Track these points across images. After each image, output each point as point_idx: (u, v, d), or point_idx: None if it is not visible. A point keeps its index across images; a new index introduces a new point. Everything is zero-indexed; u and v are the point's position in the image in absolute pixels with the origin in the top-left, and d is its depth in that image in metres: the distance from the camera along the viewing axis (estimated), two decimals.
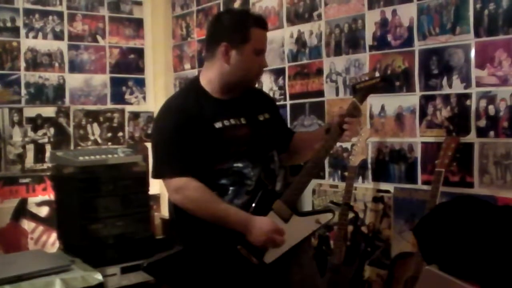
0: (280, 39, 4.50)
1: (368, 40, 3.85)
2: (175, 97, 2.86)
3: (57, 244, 4.97)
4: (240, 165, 2.64)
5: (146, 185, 4.07)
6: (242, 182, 2.65)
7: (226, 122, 2.66)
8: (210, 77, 2.74)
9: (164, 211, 5.27)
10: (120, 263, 3.88)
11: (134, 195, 4.00)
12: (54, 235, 4.98)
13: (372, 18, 3.82)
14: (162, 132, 2.71)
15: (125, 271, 3.88)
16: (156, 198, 5.33)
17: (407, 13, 3.59)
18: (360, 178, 3.89)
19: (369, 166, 3.85)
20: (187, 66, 5.68)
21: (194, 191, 2.60)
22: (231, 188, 2.65)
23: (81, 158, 3.92)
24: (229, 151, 2.64)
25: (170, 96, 2.92)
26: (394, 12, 3.68)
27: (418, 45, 3.54)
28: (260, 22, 2.73)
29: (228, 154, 2.64)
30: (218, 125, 2.63)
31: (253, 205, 2.62)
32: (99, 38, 5.64)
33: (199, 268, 2.59)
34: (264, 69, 2.89)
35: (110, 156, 4.12)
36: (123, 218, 3.95)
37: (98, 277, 3.51)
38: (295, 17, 4.36)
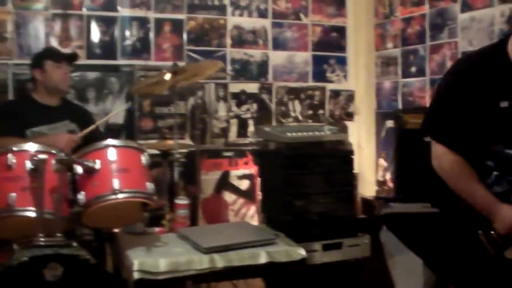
0: (489, 18, 4.27)
1: None
2: (473, 57, 2.68)
3: (255, 217, 5.09)
4: None
5: (351, 164, 4.03)
6: (509, 170, 2.49)
7: None
8: None
9: (364, 190, 5.24)
10: (321, 240, 3.88)
11: (339, 174, 3.97)
12: (253, 208, 5.11)
13: None
14: (443, 91, 2.60)
15: (327, 248, 3.88)
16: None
17: None
18: None
19: None
20: (389, 45, 5.56)
21: (451, 163, 2.51)
22: (494, 172, 2.50)
23: (288, 134, 3.94)
24: (505, 135, 2.47)
25: (470, 53, 2.75)
26: None
27: None
28: None
29: (503, 138, 2.48)
30: (504, 104, 2.44)
31: None
32: (302, 16, 5.68)
33: (438, 235, 2.51)
34: None
35: (316, 133, 4.11)
36: (327, 196, 3.94)
37: (302, 252, 3.50)
38: None
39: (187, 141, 5.09)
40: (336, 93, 5.77)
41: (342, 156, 4.01)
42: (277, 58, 5.56)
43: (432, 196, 2.63)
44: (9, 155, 3.10)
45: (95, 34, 5.07)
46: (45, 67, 4.14)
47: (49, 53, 4.29)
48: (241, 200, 5.14)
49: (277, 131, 4.09)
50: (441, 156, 2.52)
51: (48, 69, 4.14)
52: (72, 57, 4.34)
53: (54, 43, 4.95)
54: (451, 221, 2.55)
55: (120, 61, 5.10)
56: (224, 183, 5.11)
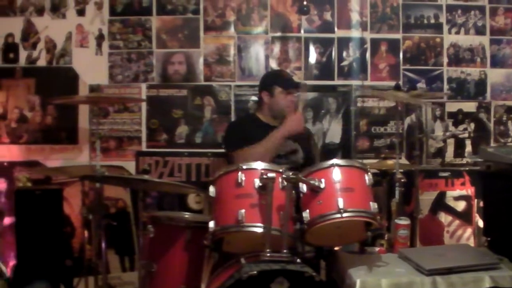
0: None
1: None
2: None
3: (471, 239, 4.96)
4: None
5: None
6: None
7: None
8: None
9: None
10: None
11: None
12: (469, 230, 4.98)
13: None
14: None
15: None
16: None
17: None
18: None
19: None
20: None
21: None
22: None
23: None
24: None
25: None
26: None
27: None
28: None
29: None
30: None
31: None
32: None
33: None
34: None
35: None
36: None
37: None
38: None
39: (403, 160, 5.08)
40: None
41: None
42: (495, 76, 5.41)
43: None
44: (239, 173, 3.25)
45: (313, 56, 5.25)
46: (274, 92, 4.24)
47: (279, 79, 4.35)
48: (456, 222, 5.03)
49: (502, 152, 3.96)
50: None
51: (276, 94, 4.24)
52: (300, 85, 4.40)
53: (273, 65, 5.20)
54: None
55: (337, 82, 5.23)
56: (439, 204, 5.03)
